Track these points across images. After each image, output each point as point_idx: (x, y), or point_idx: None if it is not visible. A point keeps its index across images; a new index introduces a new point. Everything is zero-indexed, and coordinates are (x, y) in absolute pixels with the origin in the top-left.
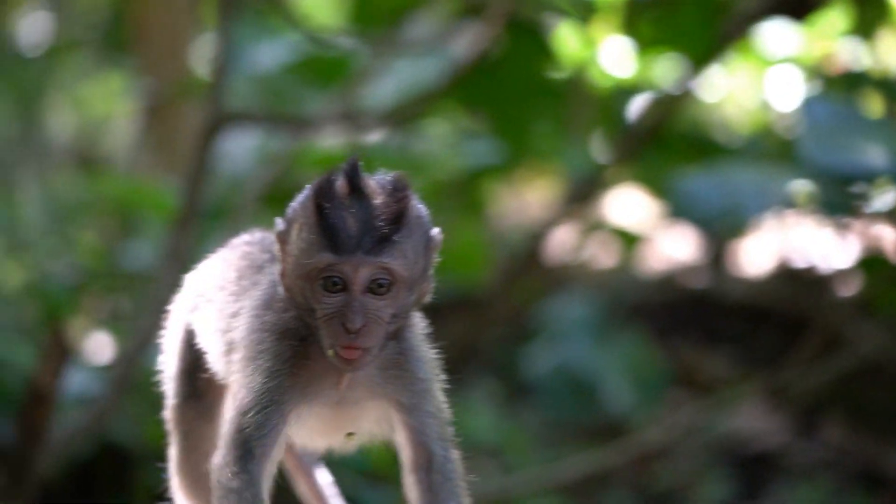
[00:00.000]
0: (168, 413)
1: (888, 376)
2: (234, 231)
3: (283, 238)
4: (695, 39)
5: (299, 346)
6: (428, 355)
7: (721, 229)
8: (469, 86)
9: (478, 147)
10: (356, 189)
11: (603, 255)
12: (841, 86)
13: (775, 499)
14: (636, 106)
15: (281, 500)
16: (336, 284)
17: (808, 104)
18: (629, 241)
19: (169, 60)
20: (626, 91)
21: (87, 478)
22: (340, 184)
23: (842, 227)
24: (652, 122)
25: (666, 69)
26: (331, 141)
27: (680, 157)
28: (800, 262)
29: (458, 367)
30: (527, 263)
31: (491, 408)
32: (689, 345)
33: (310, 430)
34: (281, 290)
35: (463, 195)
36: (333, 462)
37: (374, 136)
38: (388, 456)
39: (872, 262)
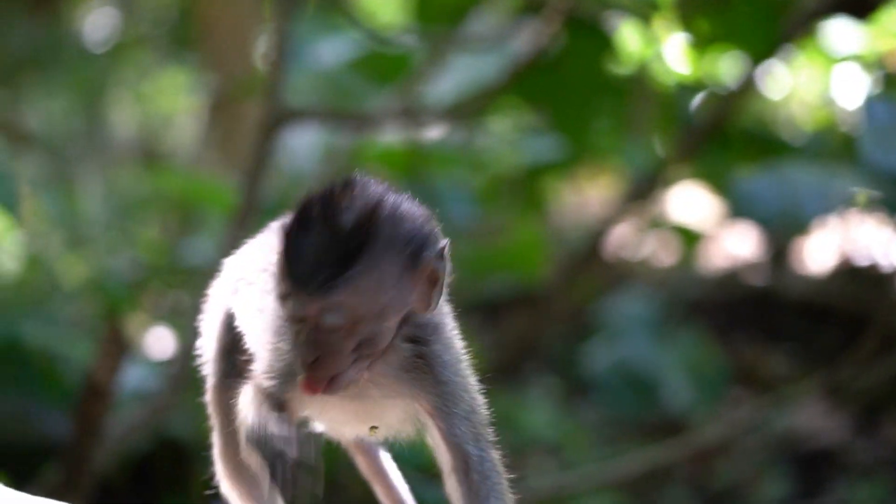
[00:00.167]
0: (208, 395)
1: None
2: None
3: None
4: (755, 37)
5: None
6: (455, 358)
7: (781, 228)
8: (530, 82)
9: (538, 144)
10: (322, 218)
11: (663, 253)
12: None
13: (834, 497)
14: (697, 103)
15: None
16: (296, 314)
17: (869, 104)
18: (690, 238)
19: (233, 57)
20: (687, 88)
21: (144, 473)
22: (308, 211)
23: None
24: (713, 119)
25: (728, 66)
26: (391, 137)
27: (742, 154)
28: (861, 260)
29: (517, 364)
30: (587, 261)
31: (550, 404)
32: (749, 342)
33: (332, 419)
34: None
35: (523, 192)
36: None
37: (435, 133)
38: None
39: None
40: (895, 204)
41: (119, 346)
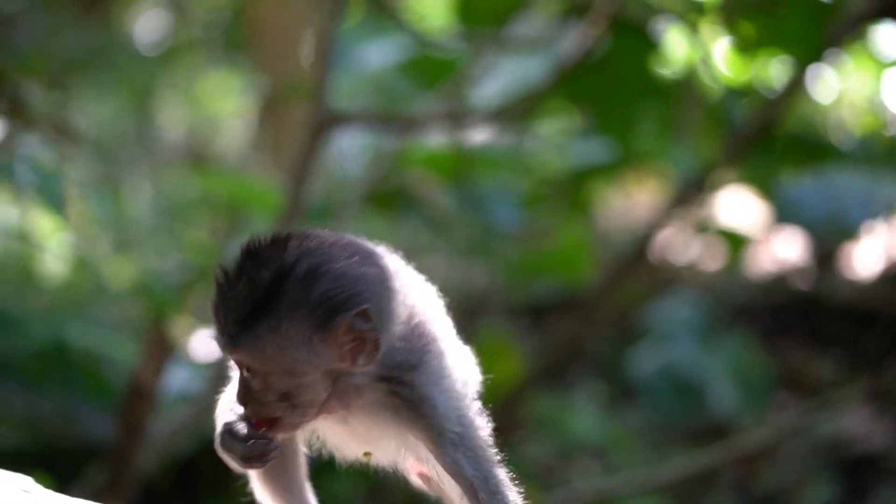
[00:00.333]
0: None
1: None
2: (339, 230)
3: None
4: (802, 41)
5: None
6: (444, 399)
7: (828, 233)
8: (575, 85)
9: (585, 147)
10: (247, 271)
11: (710, 257)
12: None
13: (880, 501)
14: (744, 107)
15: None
16: (225, 356)
17: None
18: (736, 242)
19: (283, 60)
20: (734, 92)
21: (188, 475)
22: (239, 261)
23: None
24: (761, 123)
25: (775, 70)
26: (437, 140)
27: (789, 158)
28: None
29: (563, 367)
30: (633, 265)
31: (596, 409)
32: (794, 347)
33: (330, 440)
34: None
35: (569, 195)
36: None
37: (481, 136)
38: None
39: None
40: None
41: (164, 349)
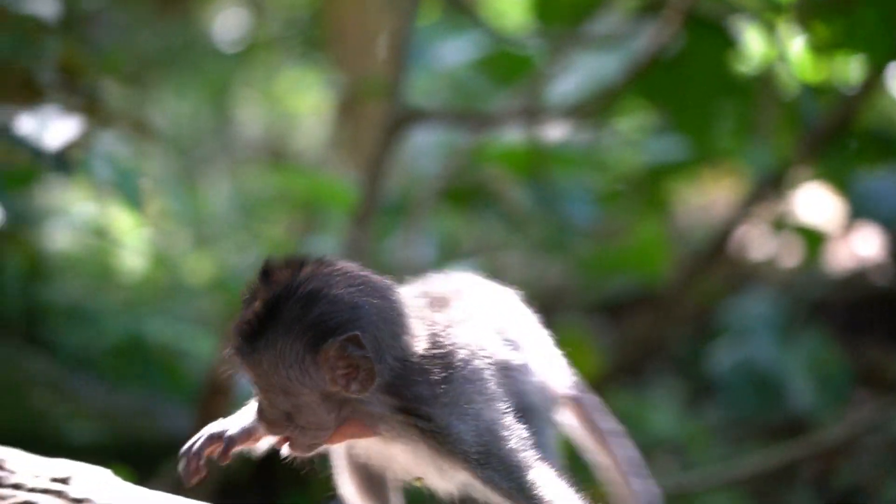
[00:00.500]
0: None
1: None
2: (415, 226)
3: None
4: (878, 40)
5: None
6: (463, 425)
7: None
8: (651, 82)
9: (661, 144)
10: (259, 292)
11: (788, 254)
12: None
13: None
14: (821, 104)
15: None
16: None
17: None
18: (814, 239)
19: (361, 58)
20: (811, 89)
21: (266, 470)
22: (257, 282)
23: None
24: (837, 120)
25: (852, 68)
26: (513, 137)
27: (865, 155)
28: None
29: (640, 364)
30: (711, 261)
31: (673, 405)
32: (872, 343)
33: (378, 462)
34: None
35: (645, 192)
36: None
37: (557, 133)
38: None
39: None
40: None
41: None
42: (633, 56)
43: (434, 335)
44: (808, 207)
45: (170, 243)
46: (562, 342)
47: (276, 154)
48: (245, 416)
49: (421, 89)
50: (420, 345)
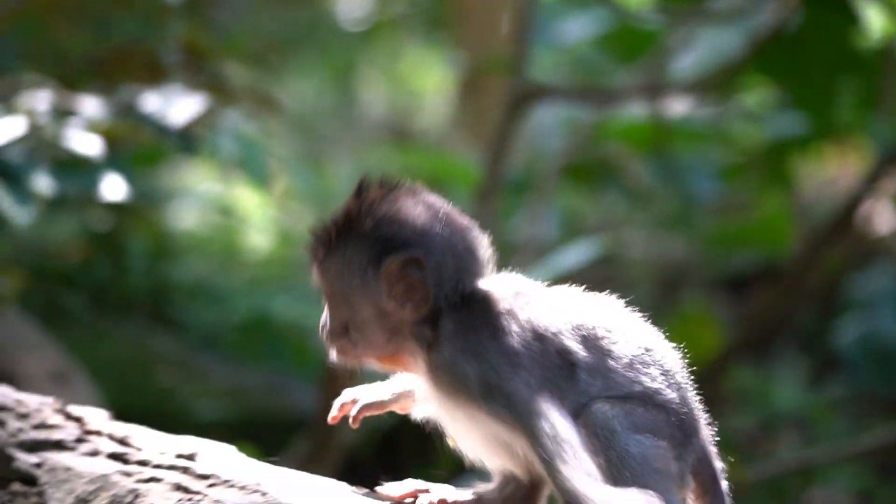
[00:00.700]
0: None
1: None
2: (538, 203)
3: None
4: None
5: None
6: (467, 358)
7: None
8: (772, 57)
9: (784, 119)
10: (346, 205)
11: None
12: None
13: None
14: None
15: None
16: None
17: None
18: None
19: (484, 35)
20: None
21: (391, 445)
22: (350, 197)
23: None
24: None
25: None
26: (636, 113)
27: None
28: None
29: (765, 339)
30: (835, 236)
31: (798, 380)
32: None
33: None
34: None
35: (769, 167)
36: None
37: (680, 109)
38: None
39: None
40: None
41: None
42: (755, 31)
43: (498, 291)
44: None
45: (295, 222)
46: (686, 317)
47: (400, 133)
48: (377, 387)
49: (544, 66)
50: (478, 292)
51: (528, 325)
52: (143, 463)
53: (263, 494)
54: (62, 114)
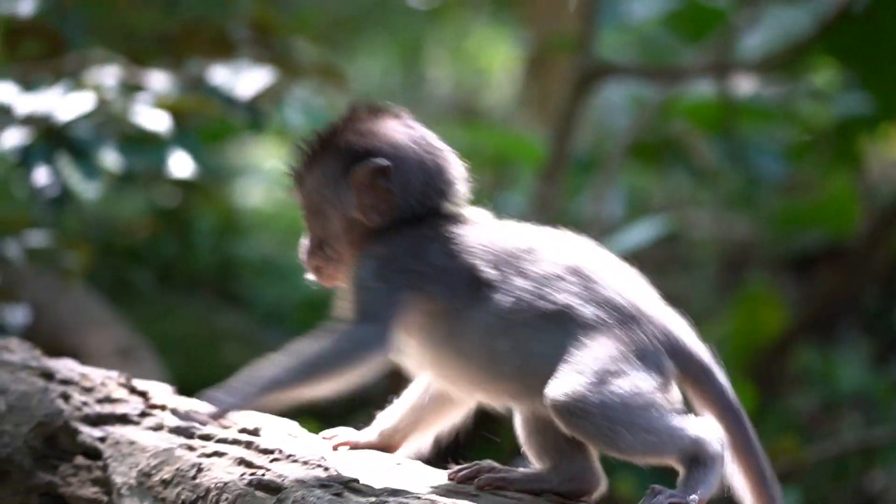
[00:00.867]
0: None
1: None
2: (604, 182)
3: None
4: None
5: None
6: (361, 270)
7: None
8: (840, 37)
9: (852, 99)
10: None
11: None
12: None
13: None
14: None
15: None
16: None
17: None
18: None
19: (550, 14)
20: None
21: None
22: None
23: None
24: None
25: None
26: (702, 91)
27: None
28: None
29: (829, 319)
30: None
31: (862, 360)
32: None
33: None
34: None
35: (836, 147)
36: None
37: (746, 87)
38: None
39: None
40: None
41: None
42: (822, 10)
43: (450, 215)
44: None
45: None
46: (750, 297)
47: (467, 111)
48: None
49: (610, 44)
50: (435, 212)
51: (446, 244)
52: (206, 437)
53: (326, 469)
54: (130, 89)
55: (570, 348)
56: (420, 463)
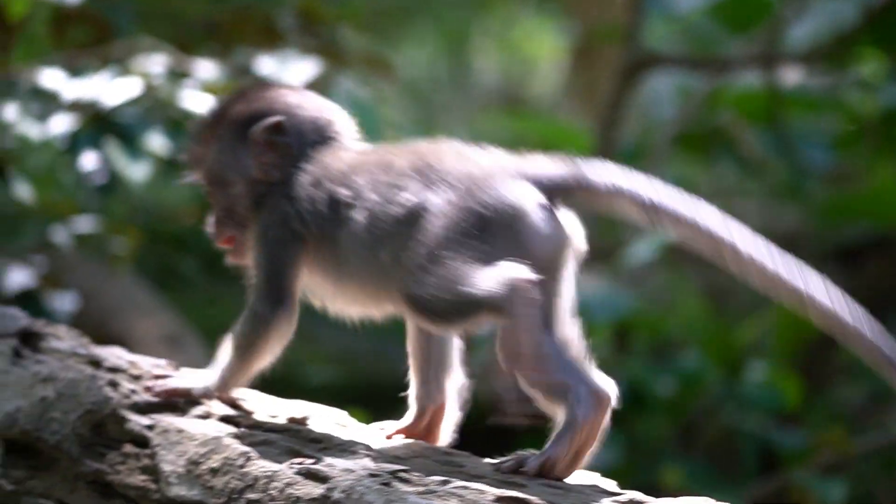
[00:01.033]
0: None
1: None
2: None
3: None
4: None
5: None
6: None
7: None
8: (886, 27)
9: None
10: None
11: None
12: None
13: None
14: None
15: None
16: None
17: None
18: None
19: (598, 4)
20: None
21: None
22: None
23: None
24: None
25: None
26: (749, 82)
27: None
28: None
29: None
30: None
31: None
32: None
33: None
34: None
35: (883, 137)
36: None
37: (794, 77)
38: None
39: None
40: None
41: None
42: (869, 0)
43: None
44: None
45: None
46: None
47: (513, 100)
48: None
49: (657, 35)
50: (333, 167)
51: (314, 175)
52: (255, 426)
53: (374, 459)
54: (177, 76)
55: (425, 241)
56: (468, 453)
